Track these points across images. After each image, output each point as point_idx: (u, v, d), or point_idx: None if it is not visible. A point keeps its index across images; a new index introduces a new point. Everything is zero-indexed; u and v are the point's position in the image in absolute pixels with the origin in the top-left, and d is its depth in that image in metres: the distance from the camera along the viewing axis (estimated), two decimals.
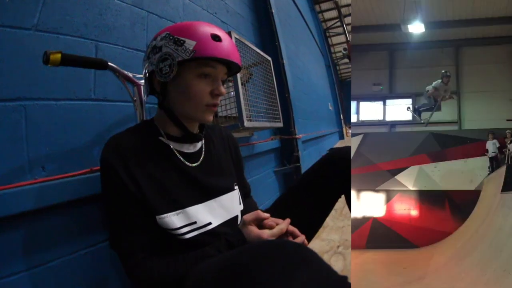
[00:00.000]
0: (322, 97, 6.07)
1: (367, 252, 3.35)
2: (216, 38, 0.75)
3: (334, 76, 9.37)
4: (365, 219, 3.59)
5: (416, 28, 3.42)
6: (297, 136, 2.62)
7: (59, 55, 0.75)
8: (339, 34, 11.85)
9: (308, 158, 2.92)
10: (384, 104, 4.25)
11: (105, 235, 0.92)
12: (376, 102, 4.25)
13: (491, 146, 3.59)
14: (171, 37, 0.75)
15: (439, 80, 3.21)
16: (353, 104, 4.37)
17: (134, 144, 0.76)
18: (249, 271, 0.50)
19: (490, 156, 3.58)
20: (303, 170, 2.57)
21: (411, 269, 2.82)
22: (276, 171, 2.44)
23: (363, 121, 4.27)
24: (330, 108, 7.18)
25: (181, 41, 0.73)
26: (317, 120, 4.80)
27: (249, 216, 0.78)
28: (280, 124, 2.02)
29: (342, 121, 9.56)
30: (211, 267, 0.63)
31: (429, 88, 3.30)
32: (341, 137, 8.76)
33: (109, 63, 0.89)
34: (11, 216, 0.71)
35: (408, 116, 4.15)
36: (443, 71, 3.23)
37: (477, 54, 4.01)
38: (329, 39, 12.10)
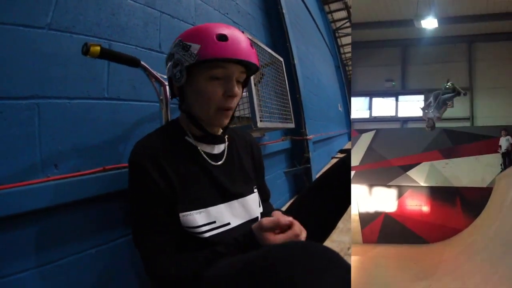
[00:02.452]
0: (331, 98, 5.89)
1: (379, 247, 3.24)
2: (222, 38, 0.70)
3: (344, 77, 9.09)
4: (377, 214, 3.48)
5: (429, 23, 3.23)
6: (308, 137, 2.51)
7: (98, 48, 0.76)
8: (348, 34, 11.53)
9: (317, 159, 2.82)
10: (397, 100, 4.07)
11: (115, 234, 0.89)
12: (388, 98, 4.08)
13: (504, 143, 3.37)
14: (181, 43, 0.73)
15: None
16: (366, 100, 4.22)
17: (162, 144, 0.75)
18: (275, 271, 0.49)
19: (502, 153, 3.37)
20: (313, 171, 2.47)
21: (422, 265, 2.70)
22: (286, 172, 2.36)
23: (375, 117, 4.11)
24: (340, 109, 6.95)
25: (188, 46, 0.72)
26: (327, 121, 4.66)
27: (268, 223, 0.69)
28: (292, 125, 1.94)
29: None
30: (231, 266, 0.61)
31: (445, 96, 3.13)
32: (350, 138, 8.54)
33: (141, 62, 0.89)
34: (22, 213, 0.68)
35: (420, 112, 3.96)
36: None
37: (490, 50, 3.76)
38: (338, 39, 11.78)
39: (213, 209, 0.76)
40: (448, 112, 3.92)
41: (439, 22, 3.24)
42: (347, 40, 12.29)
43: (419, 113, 4.00)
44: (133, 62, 0.88)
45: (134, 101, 1.05)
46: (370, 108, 4.22)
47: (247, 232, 0.72)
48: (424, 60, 3.87)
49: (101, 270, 0.84)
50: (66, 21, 0.87)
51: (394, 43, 4.02)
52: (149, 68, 0.92)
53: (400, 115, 4.08)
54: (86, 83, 0.90)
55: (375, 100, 4.18)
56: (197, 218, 0.72)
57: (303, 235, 0.71)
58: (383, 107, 4.15)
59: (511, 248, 1.97)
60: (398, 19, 3.54)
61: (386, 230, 3.40)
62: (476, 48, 3.83)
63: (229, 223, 0.77)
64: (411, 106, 3.99)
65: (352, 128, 4.10)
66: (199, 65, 0.71)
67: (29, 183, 0.71)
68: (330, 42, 7.99)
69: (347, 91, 9.37)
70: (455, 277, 2.23)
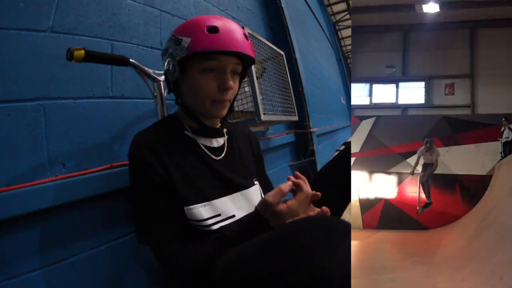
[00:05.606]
0: (334, 91, 5.78)
1: (379, 232, 3.25)
2: (213, 30, 0.68)
3: (346, 70, 8.88)
4: (377, 200, 3.47)
5: (431, 8, 3.12)
6: (312, 130, 2.49)
7: (82, 52, 0.72)
8: (349, 27, 11.25)
9: (322, 152, 2.79)
10: (397, 87, 3.96)
11: (125, 230, 0.89)
12: (388, 85, 3.97)
13: (505, 131, 3.29)
14: (173, 38, 0.73)
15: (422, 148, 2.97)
16: (366, 87, 4.11)
17: (162, 137, 0.74)
18: (296, 239, 0.51)
19: (503, 141, 3.30)
20: (318, 164, 2.46)
21: (421, 250, 2.71)
22: (292, 165, 2.34)
23: (375, 104, 4.02)
24: (343, 101, 6.83)
25: (179, 40, 0.70)
26: (330, 114, 4.58)
27: (273, 198, 0.67)
28: (296, 118, 1.91)
29: None
30: (252, 242, 0.62)
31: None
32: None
33: (131, 60, 0.86)
34: (32, 213, 0.68)
35: (421, 99, 3.87)
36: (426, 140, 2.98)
37: (492, 36, 3.62)
38: (339, 32, 11.49)
39: (217, 202, 0.74)
40: (449, 100, 3.83)
41: (441, 7, 3.13)
42: (347, 32, 12.00)
43: (419, 100, 3.90)
44: (122, 61, 0.83)
45: (139, 99, 1.04)
46: (370, 94, 4.12)
47: (250, 213, 0.73)
48: (425, 46, 3.75)
49: (111, 266, 0.84)
50: (68, 23, 0.86)
51: (394, 28, 3.89)
52: (140, 65, 0.88)
53: (400, 102, 3.99)
54: (90, 83, 0.90)
55: (376, 86, 4.08)
56: (202, 211, 0.71)
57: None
58: (384, 93, 4.06)
59: (509, 234, 1.95)
60: (399, 4, 3.41)
61: (386, 216, 3.40)
62: (478, 34, 3.69)
63: (234, 215, 0.76)
64: (412, 92, 3.90)
65: (352, 115, 4.04)
66: (192, 58, 0.70)
67: (38, 182, 0.71)
68: (331, 35, 7.80)
69: (349, 84, 9.21)
70: (453, 262, 2.23)
